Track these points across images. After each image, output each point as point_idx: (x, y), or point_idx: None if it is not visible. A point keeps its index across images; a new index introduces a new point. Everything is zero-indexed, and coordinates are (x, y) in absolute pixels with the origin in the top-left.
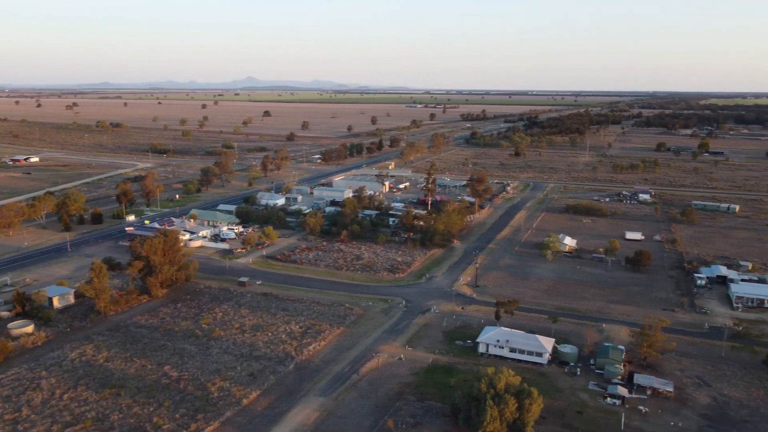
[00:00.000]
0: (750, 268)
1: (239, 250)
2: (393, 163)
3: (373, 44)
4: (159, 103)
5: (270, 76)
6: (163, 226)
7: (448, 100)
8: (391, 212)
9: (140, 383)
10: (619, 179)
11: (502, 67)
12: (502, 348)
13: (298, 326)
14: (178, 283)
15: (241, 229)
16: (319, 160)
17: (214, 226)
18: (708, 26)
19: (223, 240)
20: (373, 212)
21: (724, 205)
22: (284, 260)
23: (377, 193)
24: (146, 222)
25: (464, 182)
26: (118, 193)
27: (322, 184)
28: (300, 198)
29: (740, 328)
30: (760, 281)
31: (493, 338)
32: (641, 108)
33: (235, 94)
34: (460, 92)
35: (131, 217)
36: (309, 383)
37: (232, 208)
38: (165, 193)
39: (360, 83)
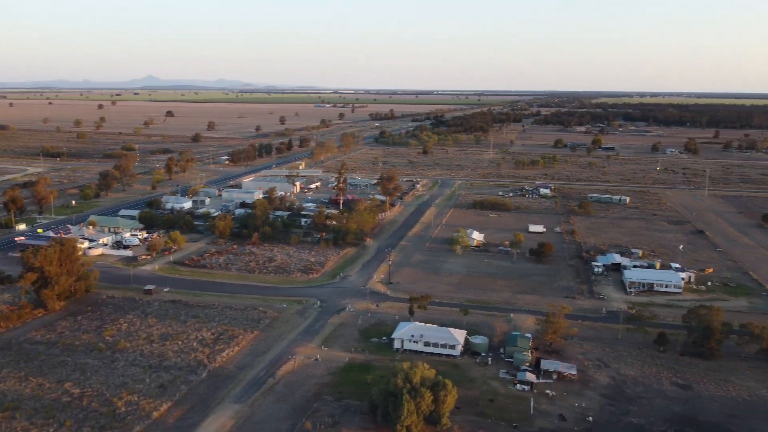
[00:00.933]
0: (641, 254)
1: (144, 257)
2: (303, 163)
3: (281, 43)
4: (50, 103)
5: (172, 74)
6: (58, 235)
7: (357, 99)
8: (303, 212)
9: (38, 403)
10: (522, 175)
11: (409, 67)
12: (417, 342)
13: (210, 333)
14: (78, 295)
15: (146, 235)
16: (226, 162)
17: (116, 233)
18: (596, 30)
19: (126, 247)
20: (285, 213)
21: (616, 197)
22: (193, 265)
23: (288, 194)
24: (39, 231)
25: (375, 181)
26: (5, 200)
27: (231, 186)
28: (208, 201)
29: (633, 311)
30: (650, 267)
31: (408, 333)
32: (540, 107)
33: (135, 94)
34: (368, 92)
35: (22, 226)
36: (223, 390)
37: (135, 213)
38: (59, 200)
39: (267, 82)
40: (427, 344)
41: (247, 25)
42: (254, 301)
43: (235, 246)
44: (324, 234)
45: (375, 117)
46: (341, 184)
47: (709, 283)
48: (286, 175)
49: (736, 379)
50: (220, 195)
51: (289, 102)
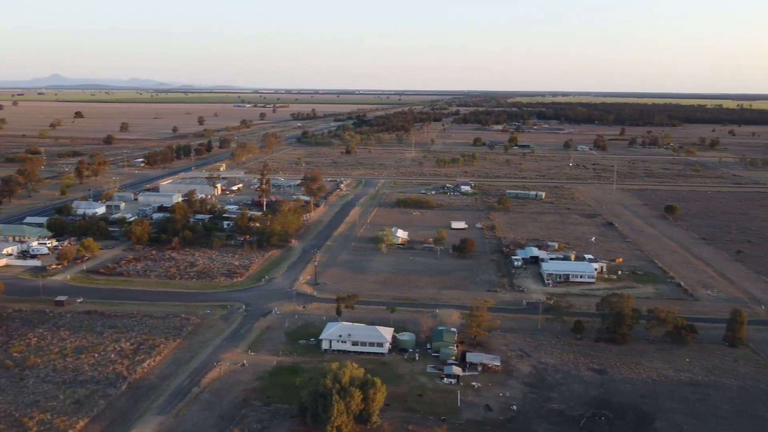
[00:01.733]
0: (557, 247)
1: (54, 267)
2: (224, 165)
3: (197, 41)
4: None
5: (80, 73)
6: None
7: (278, 99)
8: (225, 215)
9: None
10: (443, 173)
11: (330, 66)
12: (345, 342)
13: (129, 343)
14: None
15: (56, 243)
16: (142, 164)
17: (21, 242)
18: (511, 32)
19: (33, 256)
20: (206, 216)
21: (533, 193)
22: (109, 273)
23: (209, 197)
24: None
25: (298, 181)
26: None
27: (148, 190)
28: (123, 205)
29: (551, 301)
30: (565, 259)
31: (336, 334)
32: (458, 106)
33: (39, 93)
34: (289, 91)
35: None
36: (145, 402)
37: (43, 220)
38: None
39: (183, 82)
40: (355, 343)
41: (162, 21)
42: (176, 308)
43: (153, 252)
44: (248, 236)
45: (297, 117)
46: (264, 186)
47: (620, 272)
48: (206, 177)
49: (646, 361)
50: (136, 199)
51: (207, 102)
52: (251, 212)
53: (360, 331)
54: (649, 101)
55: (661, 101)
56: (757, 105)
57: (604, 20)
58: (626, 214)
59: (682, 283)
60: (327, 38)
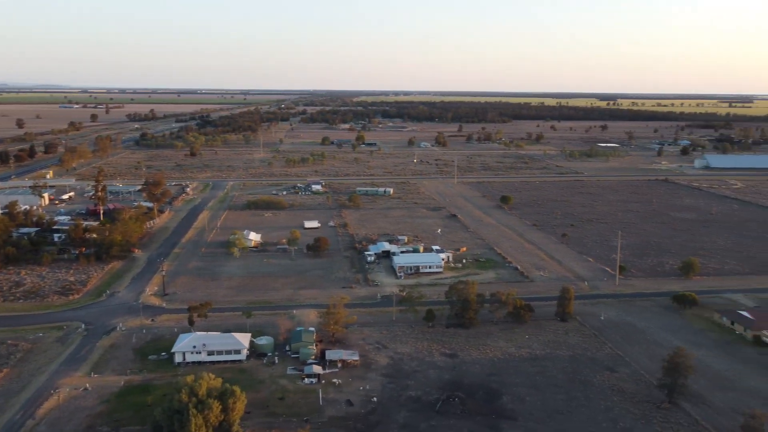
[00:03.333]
0: (406, 241)
1: None
2: (51, 172)
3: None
4: None
5: None
6: None
7: (111, 99)
8: (55, 227)
9: None
10: (293, 172)
11: (169, 64)
12: (200, 353)
13: None
14: None
15: None
16: None
17: None
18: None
19: None
20: (32, 229)
21: (381, 189)
22: None
23: (35, 207)
24: None
25: (139, 187)
26: None
27: None
28: None
29: (404, 293)
30: (414, 251)
31: (189, 345)
32: (305, 105)
33: None
34: (123, 91)
35: None
36: None
37: None
38: None
39: None
40: (211, 353)
41: None
42: (0, 335)
43: None
44: (84, 249)
45: (134, 118)
46: (100, 193)
47: (464, 261)
48: (30, 186)
49: (491, 342)
50: None
51: (26, 102)
52: (86, 222)
53: (215, 339)
54: (483, 99)
55: (493, 99)
56: (573, 102)
57: (440, 24)
58: (467, 206)
59: (519, 267)
60: (166, 35)
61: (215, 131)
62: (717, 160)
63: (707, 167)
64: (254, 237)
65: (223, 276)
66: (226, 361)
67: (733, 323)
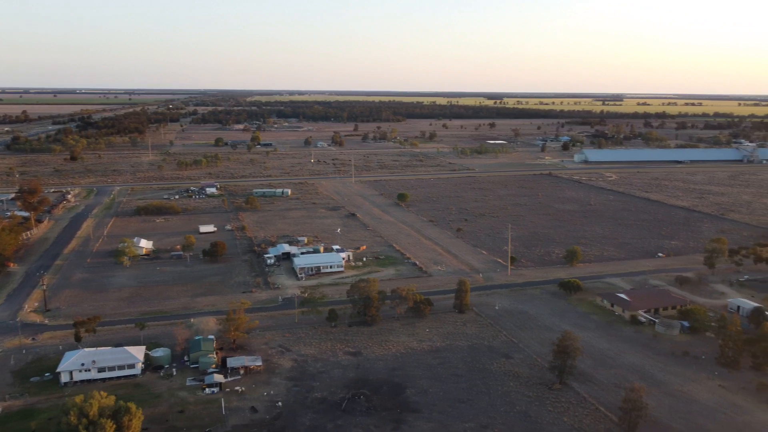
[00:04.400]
0: (306, 241)
1: None
2: None
3: None
4: None
5: None
6: None
7: None
8: None
9: None
10: (185, 175)
11: (42, 62)
12: (89, 370)
13: None
14: None
15: None
16: None
17: None
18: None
19: None
20: None
21: (279, 190)
22: None
23: None
24: None
25: (12, 195)
26: None
27: None
28: None
29: (306, 294)
30: (315, 252)
31: (77, 363)
32: (196, 105)
33: None
34: None
35: None
36: None
37: None
38: None
39: None
40: (102, 369)
41: None
42: None
43: None
44: None
45: (3, 120)
46: None
47: (365, 259)
48: None
49: (394, 338)
50: None
51: None
52: None
53: (106, 355)
54: (377, 99)
55: (387, 99)
56: (463, 101)
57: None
58: (366, 205)
59: (418, 263)
60: (37, 28)
61: (98, 133)
62: (594, 154)
63: (586, 161)
64: (145, 244)
65: (112, 287)
66: (119, 377)
67: (612, 305)
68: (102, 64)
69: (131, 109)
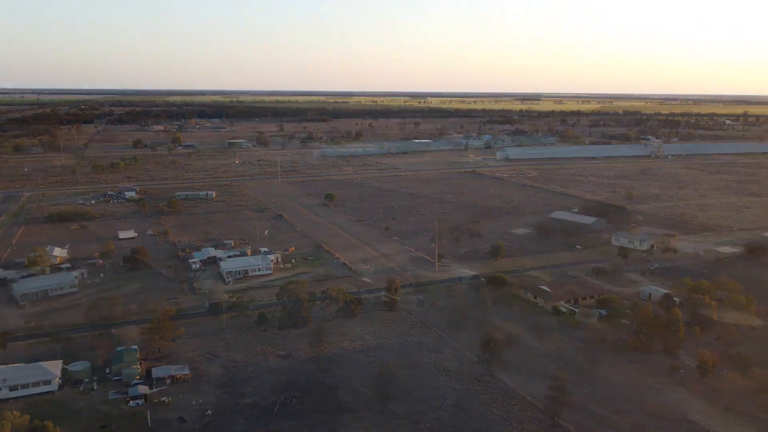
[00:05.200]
0: (233, 244)
1: None
2: None
3: None
4: None
5: None
6: None
7: None
8: None
9: None
10: (102, 179)
11: None
12: (0, 389)
13: None
14: None
15: None
16: None
17: None
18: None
19: None
20: None
21: (203, 193)
22: None
23: None
24: None
25: None
26: None
27: None
28: None
29: (233, 299)
30: (242, 255)
31: None
32: (112, 106)
33: None
34: None
35: None
36: None
37: None
38: None
39: None
40: (14, 388)
41: None
42: None
43: None
44: None
45: None
46: None
47: (294, 260)
48: None
49: (325, 339)
50: None
51: None
52: None
53: (18, 372)
54: (303, 98)
55: (312, 98)
56: (388, 101)
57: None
58: (293, 205)
59: (347, 262)
60: None
61: (3, 136)
62: (515, 152)
63: (507, 159)
64: (59, 253)
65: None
66: (34, 395)
67: (535, 297)
68: (4, 60)
69: (40, 110)
